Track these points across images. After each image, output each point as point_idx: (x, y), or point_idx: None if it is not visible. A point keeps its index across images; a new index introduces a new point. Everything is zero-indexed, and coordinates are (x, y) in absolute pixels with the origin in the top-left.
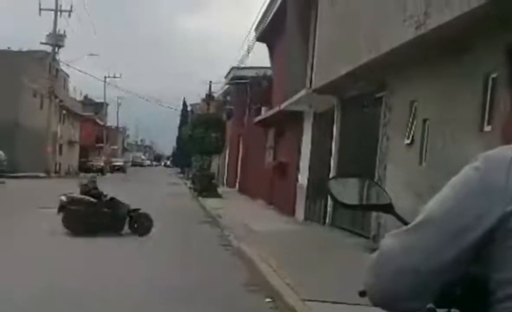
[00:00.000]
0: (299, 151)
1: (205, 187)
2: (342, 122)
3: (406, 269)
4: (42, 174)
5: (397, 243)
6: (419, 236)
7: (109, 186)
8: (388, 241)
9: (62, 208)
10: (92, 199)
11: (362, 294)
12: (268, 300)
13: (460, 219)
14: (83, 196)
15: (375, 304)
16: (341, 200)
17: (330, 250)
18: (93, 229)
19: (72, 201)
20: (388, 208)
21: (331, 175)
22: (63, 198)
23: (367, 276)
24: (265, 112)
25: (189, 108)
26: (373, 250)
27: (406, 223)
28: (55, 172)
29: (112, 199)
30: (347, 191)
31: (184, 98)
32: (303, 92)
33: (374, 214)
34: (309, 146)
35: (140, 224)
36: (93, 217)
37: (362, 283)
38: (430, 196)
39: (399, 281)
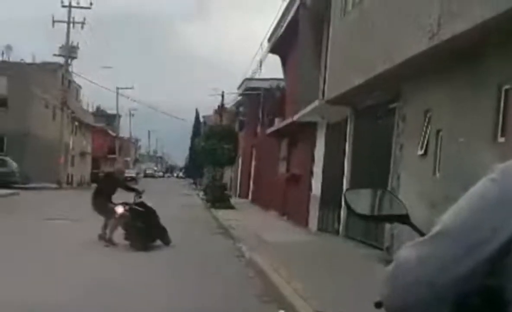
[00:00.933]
0: (312, 162)
1: (218, 198)
2: (355, 133)
3: (422, 281)
4: (53, 185)
5: (413, 254)
6: (435, 248)
7: (123, 198)
8: (404, 252)
9: (123, 222)
10: (141, 209)
11: (378, 305)
12: (281, 311)
13: (476, 231)
14: (138, 208)
15: None
16: (358, 210)
17: (343, 261)
18: (150, 241)
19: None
20: (404, 219)
21: (344, 186)
22: (120, 210)
23: (383, 287)
24: (278, 123)
25: (201, 120)
26: (387, 261)
27: (422, 234)
28: (67, 183)
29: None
30: (364, 201)
31: (196, 109)
32: (316, 103)
33: (387, 225)
34: (322, 157)
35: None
36: (149, 228)
37: (378, 294)
38: (444, 206)
39: (415, 292)
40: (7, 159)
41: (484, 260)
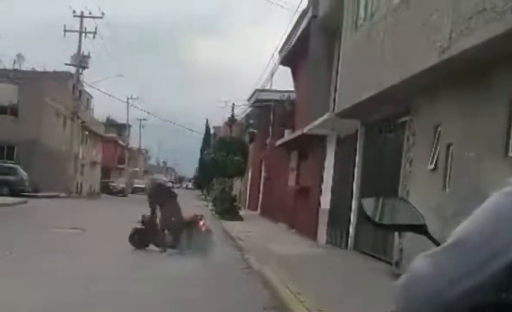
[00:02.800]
0: (321, 175)
1: (227, 209)
2: (365, 146)
3: (433, 292)
4: (63, 194)
5: (426, 265)
6: (448, 259)
7: (131, 207)
8: (417, 263)
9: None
10: None
11: None
12: None
13: (490, 244)
14: None
15: None
16: (375, 219)
17: (351, 275)
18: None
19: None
20: (421, 229)
21: (354, 199)
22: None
23: (396, 298)
24: (288, 136)
25: (212, 131)
26: (395, 275)
27: (438, 245)
28: (77, 192)
29: None
30: (380, 210)
31: (207, 120)
32: (326, 116)
33: (396, 239)
34: (332, 170)
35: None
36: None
37: (392, 305)
38: (454, 221)
39: (427, 304)
40: (17, 167)
41: (497, 273)
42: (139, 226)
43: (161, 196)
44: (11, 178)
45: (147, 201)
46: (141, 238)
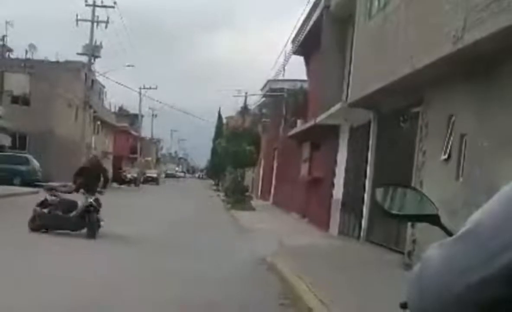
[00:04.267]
0: (334, 165)
1: (239, 199)
2: (378, 137)
3: (444, 283)
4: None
5: (438, 255)
6: (460, 249)
7: (143, 198)
8: (429, 253)
9: None
10: None
11: (403, 306)
12: None
13: (503, 235)
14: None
15: None
16: (388, 208)
17: (364, 266)
18: None
19: None
20: (434, 219)
21: (366, 190)
22: None
23: (408, 288)
24: (300, 126)
25: (224, 121)
26: (407, 266)
27: (451, 235)
28: None
29: None
30: (394, 199)
31: (219, 110)
32: (338, 106)
33: (409, 230)
34: (345, 160)
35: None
36: None
37: (404, 295)
38: (466, 211)
39: (437, 295)
40: (29, 157)
41: (509, 265)
42: None
43: None
44: (22, 168)
45: None
46: None
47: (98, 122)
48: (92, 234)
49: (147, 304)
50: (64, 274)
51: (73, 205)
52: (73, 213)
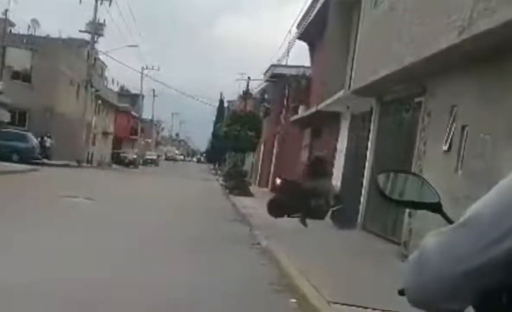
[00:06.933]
0: (334, 153)
1: (238, 185)
2: (379, 125)
3: (444, 269)
4: (73, 163)
5: (436, 243)
6: (458, 237)
7: (142, 179)
8: (429, 240)
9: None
10: None
11: (401, 292)
12: (293, 300)
13: (502, 223)
14: None
15: (413, 304)
16: (388, 194)
17: (359, 254)
18: None
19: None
20: (436, 207)
21: (365, 178)
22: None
23: (407, 274)
24: (302, 112)
25: (225, 105)
26: (403, 256)
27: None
28: (87, 162)
29: None
30: (395, 185)
31: (221, 93)
32: (341, 93)
33: (406, 219)
34: (345, 147)
35: None
36: None
37: (401, 282)
38: (465, 203)
39: (437, 281)
40: (28, 134)
41: (507, 253)
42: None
43: None
44: (21, 145)
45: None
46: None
47: (99, 102)
48: None
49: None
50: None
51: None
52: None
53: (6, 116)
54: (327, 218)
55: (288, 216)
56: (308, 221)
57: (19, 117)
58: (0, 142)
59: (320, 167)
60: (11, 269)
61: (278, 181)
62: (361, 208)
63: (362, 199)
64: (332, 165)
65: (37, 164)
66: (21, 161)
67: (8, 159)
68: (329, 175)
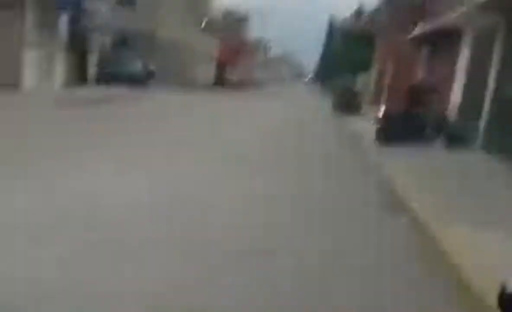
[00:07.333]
0: (453, 72)
1: (349, 105)
2: (505, 44)
3: None
4: (176, 86)
5: None
6: None
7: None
8: None
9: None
10: None
11: None
12: (404, 220)
13: None
14: None
15: None
16: None
17: (479, 176)
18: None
19: None
20: None
21: (486, 100)
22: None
23: None
24: (419, 29)
25: (337, 24)
26: None
27: None
28: (192, 84)
29: None
30: None
31: (331, 13)
32: (463, 8)
33: None
34: (465, 68)
35: None
36: None
37: None
38: None
39: None
40: (136, 57)
41: None
42: None
43: None
44: (127, 68)
45: None
46: None
47: (202, 23)
48: None
49: None
50: None
51: None
52: None
53: (109, 40)
54: (439, 142)
55: (399, 143)
56: (417, 146)
57: (123, 41)
58: (110, 67)
59: (421, 96)
60: None
61: (381, 111)
62: (483, 126)
63: (483, 119)
64: (449, 87)
65: (143, 87)
66: (129, 84)
67: (117, 82)
68: (433, 102)
